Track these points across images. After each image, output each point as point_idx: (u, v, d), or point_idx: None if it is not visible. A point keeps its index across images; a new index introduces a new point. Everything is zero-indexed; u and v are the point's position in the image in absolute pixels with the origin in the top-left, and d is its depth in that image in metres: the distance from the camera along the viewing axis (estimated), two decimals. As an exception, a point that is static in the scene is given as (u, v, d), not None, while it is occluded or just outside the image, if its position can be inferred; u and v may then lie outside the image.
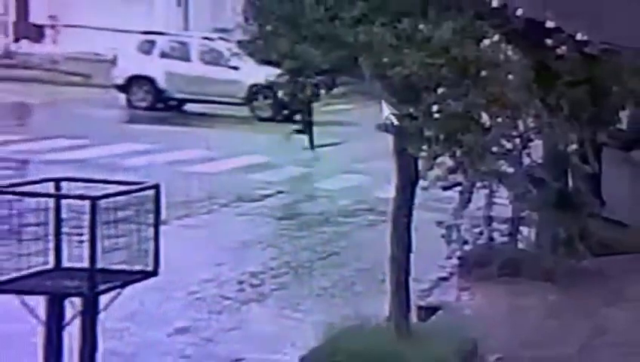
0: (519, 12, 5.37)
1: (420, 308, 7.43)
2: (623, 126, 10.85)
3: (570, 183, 9.55)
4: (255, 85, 20.79)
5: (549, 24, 5.37)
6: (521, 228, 8.80)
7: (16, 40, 28.44)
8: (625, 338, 7.08)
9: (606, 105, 6.83)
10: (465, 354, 6.39)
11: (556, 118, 6.15)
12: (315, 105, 7.46)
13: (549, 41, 5.97)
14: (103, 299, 4.00)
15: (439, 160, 5.93)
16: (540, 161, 8.41)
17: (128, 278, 4.07)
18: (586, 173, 9.32)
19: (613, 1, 3.50)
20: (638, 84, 6.75)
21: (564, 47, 5.99)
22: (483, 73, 5.74)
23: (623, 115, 10.03)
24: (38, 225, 3.94)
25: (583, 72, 6.09)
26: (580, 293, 8.28)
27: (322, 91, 6.50)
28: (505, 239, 8.78)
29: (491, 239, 8.59)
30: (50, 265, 4.03)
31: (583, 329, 7.32)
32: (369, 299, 7.71)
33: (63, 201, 4.05)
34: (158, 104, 22.28)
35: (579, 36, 5.58)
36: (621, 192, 10.94)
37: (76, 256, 4.06)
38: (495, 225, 8.55)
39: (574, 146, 7.76)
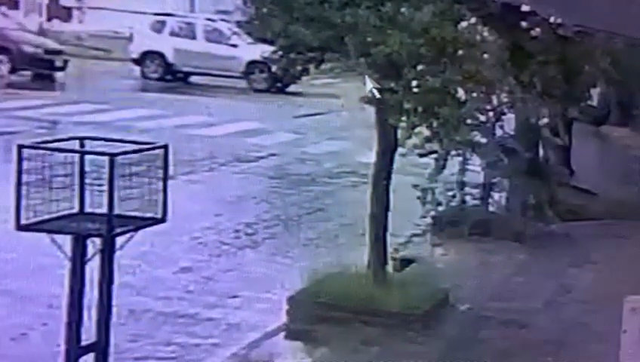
0: None
1: (395, 259, 7.29)
2: (594, 103, 10.65)
3: (541, 154, 9.22)
4: (252, 61, 20.70)
5: (525, 8, 5.16)
6: (492, 193, 8.64)
7: (49, 19, 28.68)
8: (588, 296, 6.90)
9: (578, 84, 6.59)
10: (436, 302, 6.32)
11: (529, 94, 5.96)
12: (304, 78, 7.41)
13: (524, 24, 5.77)
14: (119, 240, 4.02)
15: (417, 130, 5.84)
16: (512, 132, 8.21)
17: (140, 223, 4.04)
18: (556, 145, 9.12)
19: None
20: (609, 65, 6.51)
21: (538, 29, 5.78)
22: (460, 52, 5.62)
23: (595, 92, 9.82)
24: (65, 176, 3.95)
25: (556, 52, 5.89)
26: (547, 254, 8.07)
27: (312, 66, 6.42)
28: (476, 202, 8.58)
29: (463, 202, 8.40)
30: (75, 209, 4.03)
31: (548, 286, 7.12)
32: (350, 249, 7.67)
33: (87, 156, 4.02)
34: (168, 76, 22.12)
35: (553, 19, 5.37)
36: (590, 163, 10.79)
37: (97, 203, 4.05)
38: (467, 189, 8.39)
39: (545, 120, 7.50)
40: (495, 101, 6.20)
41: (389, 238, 6.43)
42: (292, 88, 20.91)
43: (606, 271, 7.59)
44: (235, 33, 21.96)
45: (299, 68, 6.42)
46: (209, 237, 8.66)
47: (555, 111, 6.97)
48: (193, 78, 22.33)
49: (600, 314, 6.17)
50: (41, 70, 19.40)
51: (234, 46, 21.67)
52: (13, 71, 19.20)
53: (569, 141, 9.82)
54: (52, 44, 20.04)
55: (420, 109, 5.69)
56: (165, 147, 4.17)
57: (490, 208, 8.74)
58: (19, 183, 3.89)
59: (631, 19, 3.83)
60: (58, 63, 19.85)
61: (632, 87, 11.53)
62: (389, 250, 6.61)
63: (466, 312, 6.46)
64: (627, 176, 10.99)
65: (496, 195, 8.78)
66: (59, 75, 20.22)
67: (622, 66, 7.75)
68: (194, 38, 22.38)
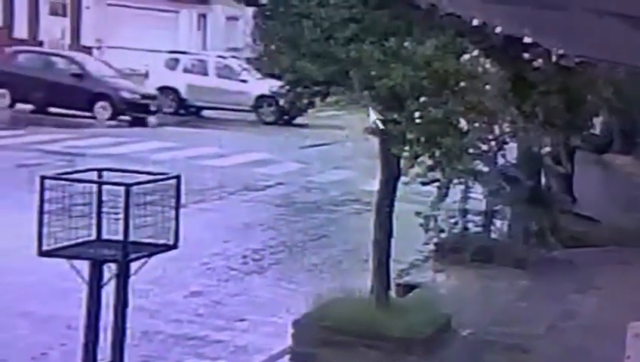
0: (498, 29, 5.01)
1: (398, 285, 7.14)
2: (597, 131, 10.38)
3: (544, 182, 8.98)
4: (261, 95, 20.86)
5: (527, 40, 5.03)
6: (494, 220, 8.40)
7: (71, 59, 29.13)
8: (592, 322, 6.67)
9: (580, 113, 6.39)
10: (439, 327, 6.19)
11: (531, 123, 5.82)
12: (310, 111, 7.37)
13: (526, 55, 5.65)
14: (134, 266, 4.05)
15: (419, 159, 5.78)
16: (514, 161, 8.02)
17: (154, 250, 4.08)
18: (558, 173, 8.64)
19: (587, 16, 3.16)
20: (612, 94, 6.39)
21: (540, 60, 5.66)
22: (462, 84, 5.55)
23: (597, 121, 9.38)
24: (84, 205, 4.01)
25: (558, 82, 5.75)
26: (549, 280, 7.83)
27: (317, 100, 6.41)
28: (478, 229, 8.37)
29: (466, 229, 8.20)
30: (93, 236, 4.08)
31: (551, 312, 6.91)
32: (354, 275, 7.60)
33: (104, 187, 4.08)
34: (181, 110, 22.29)
35: (555, 50, 5.27)
36: (593, 191, 10.26)
37: (113, 231, 4.08)
38: (470, 216, 8.18)
39: (548, 149, 7.35)
40: (497, 131, 6.11)
41: (392, 264, 6.35)
42: (299, 120, 21.02)
43: (609, 297, 7.32)
44: (244, 69, 22.18)
45: (305, 101, 6.43)
46: (218, 263, 8.66)
47: (558, 140, 6.81)
48: (205, 112, 22.47)
49: (603, 340, 5.93)
50: (139, 114, 19.59)
51: (244, 81, 21.90)
52: (114, 115, 19.35)
53: (571, 169, 9.32)
54: (146, 90, 20.18)
55: (422, 139, 5.63)
56: (178, 177, 4.22)
57: (493, 235, 8.49)
58: (41, 212, 3.93)
59: (633, 49, 3.71)
60: (153, 107, 20.09)
61: (635, 115, 11.27)
62: (392, 275, 6.52)
63: (468, 337, 6.31)
64: (630, 204, 10.48)
65: (498, 222, 8.52)
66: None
67: (625, 95, 7.53)
68: (206, 74, 22.59)
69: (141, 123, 19.54)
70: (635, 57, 4.08)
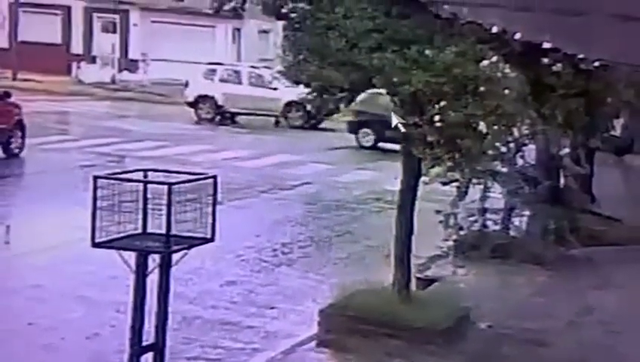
0: (517, 36, 4.84)
1: (419, 279, 7.01)
2: (617, 133, 9.77)
3: (562, 182, 8.58)
4: (289, 101, 20.97)
5: (546, 45, 4.89)
6: (512, 218, 8.15)
7: (120, 71, 29.50)
8: (610, 318, 6.39)
9: (600, 115, 6.14)
10: (458, 319, 6.07)
11: (550, 126, 5.65)
12: (335, 115, 7.28)
13: (545, 60, 5.50)
14: (175, 257, 4.09)
15: (439, 160, 5.65)
16: (532, 162, 7.78)
17: (193, 242, 4.10)
18: (577, 173, 8.31)
19: (609, 21, 3.00)
20: (633, 96, 6.17)
21: (559, 65, 5.48)
22: (481, 88, 5.43)
23: (617, 122, 8.88)
24: (131, 201, 4.06)
25: (577, 85, 5.57)
26: (568, 277, 7.54)
27: (342, 105, 6.37)
28: (497, 227, 8.12)
29: (485, 226, 8.00)
30: (139, 230, 4.12)
31: (570, 307, 6.65)
32: (376, 269, 7.55)
33: (149, 185, 4.12)
34: (218, 116, 22.48)
35: (575, 54, 5.08)
36: (613, 191, 9.78)
37: (157, 225, 4.10)
38: (488, 215, 7.98)
39: (567, 150, 7.12)
40: (516, 133, 5.97)
41: (412, 259, 6.26)
42: (324, 124, 21.08)
43: (629, 294, 6.99)
44: (275, 78, 22.25)
45: (331, 106, 6.40)
46: (251, 255, 8.70)
47: (577, 141, 6.60)
48: (239, 118, 22.62)
49: (623, 337, 5.73)
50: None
51: (274, 89, 22.04)
52: (378, 140, 17.94)
53: (591, 170, 8.96)
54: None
55: (442, 141, 5.53)
56: (214, 177, 4.25)
57: (511, 232, 8.18)
58: (94, 208, 4.00)
59: None
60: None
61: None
62: (413, 270, 6.43)
63: (486, 329, 6.16)
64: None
65: (516, 220, 8.23)
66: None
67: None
68: (240, 83, 22.77)
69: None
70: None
